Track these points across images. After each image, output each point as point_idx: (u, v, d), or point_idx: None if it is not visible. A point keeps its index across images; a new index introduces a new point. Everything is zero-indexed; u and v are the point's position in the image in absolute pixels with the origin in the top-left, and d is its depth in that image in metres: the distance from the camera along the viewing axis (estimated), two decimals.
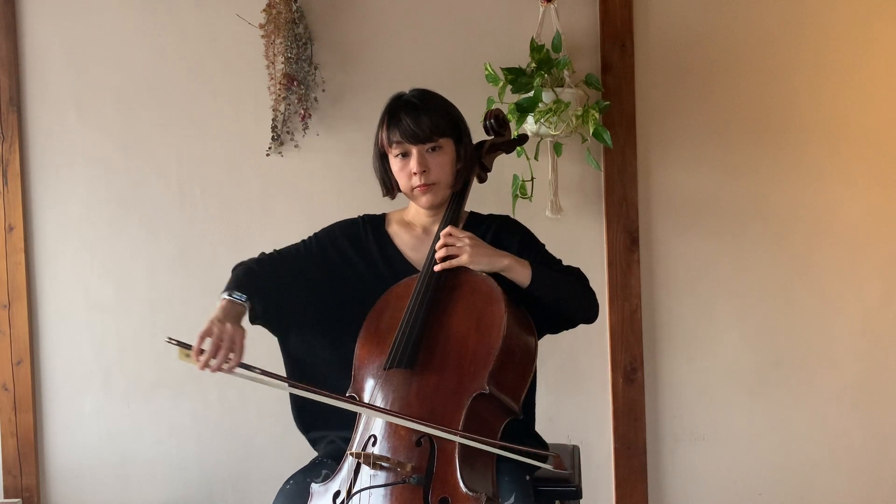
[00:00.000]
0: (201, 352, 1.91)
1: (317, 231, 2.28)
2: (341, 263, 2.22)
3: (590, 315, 2.20)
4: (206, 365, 1.91)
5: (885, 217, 3.17)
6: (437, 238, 2.13)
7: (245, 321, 2.05)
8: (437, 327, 2.03)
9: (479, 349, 1.97)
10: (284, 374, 2.21)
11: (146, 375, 3.26)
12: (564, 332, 2.24)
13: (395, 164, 2.17)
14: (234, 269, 2.14)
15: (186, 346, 1.93)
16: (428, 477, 1.86)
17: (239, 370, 1.94)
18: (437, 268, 2.07)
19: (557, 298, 2.11)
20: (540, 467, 2.20)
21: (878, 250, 3.18)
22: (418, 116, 2.11)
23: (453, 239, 2.08)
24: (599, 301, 2.08)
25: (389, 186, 2.23)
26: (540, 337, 2.14)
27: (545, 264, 2.16)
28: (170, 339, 1.94)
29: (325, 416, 2.20)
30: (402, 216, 2.30)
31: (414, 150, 2.13)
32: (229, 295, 2.02)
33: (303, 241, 2.25)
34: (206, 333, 1.92)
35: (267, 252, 2.23)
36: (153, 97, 3.23)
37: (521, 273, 2.06)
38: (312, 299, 2.18)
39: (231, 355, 1.92)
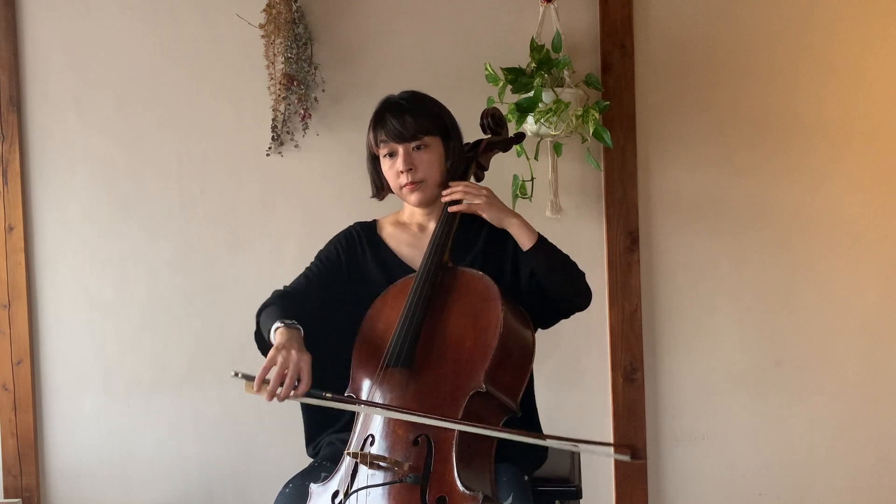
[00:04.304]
0: (266, 382, 1.87)
1: (318, 253, 2.28)
2: (346, 278, 2.24)
3: (585, 297, 2.20)
4: (272, 395, 1.87)
5: (885, 217, 3.17)
6: (434, 236, 2.14)
7: None
8: (435, 326, 2.03)
9: (477, 347, 1.97)
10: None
11: (146, 375, 3.27)
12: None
13: (384, 164, 2.20)
14: (267, 306, 2.11)
15: (252, 378, 1.88)
16: (425, 476, 1.86)
17: (308, 397, 1.90)
18: (451, 209, 2.15)
19: (554, 270, 2.13)
20: (540, 467, 2.22)
21: (879, 251, 3.17)
22: (403, 116, 2.15)
23: (472, 187, 2.15)
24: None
25: (380, 187, 2.27)
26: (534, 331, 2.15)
27: None
28: (235, 373, 1.89)
29: (326, 420, 2.20)
30: (397, 217, 2.32)
31: (400, 149, 2.16)
32: (282, 322, 1.98)
33: (308, 268, 2.25)
34: (271, 362, 1.88)
35: (279, 289, 2.20)
36: (153, 97, 3.23)
37: (527, 234, 2.12)
38: (330, 319, 2.18)
39: (297, 383, 1.87)
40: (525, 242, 2.12)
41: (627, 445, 1.90)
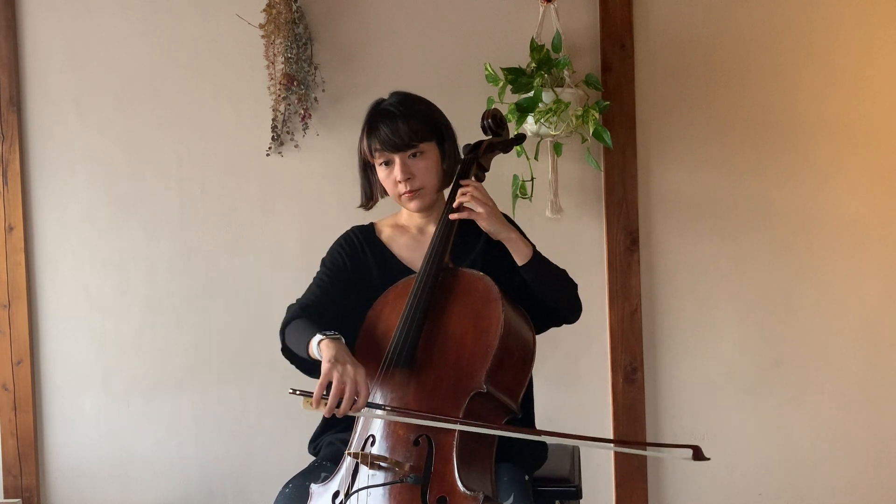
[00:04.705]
0: (324, 397, 1.85)
1: (323, 261, 2.27)
2: (352, 283, 2.23)
3: (575, 312, 2.23)
4: (332, 411, 1.85)
5: (886, 218, 3.17)
6: (434, 238, 2.14)
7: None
8: (436, 326, 2.03)
9: (477, 348, 1.97)
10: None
11: (146, 375, 3.27)
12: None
13: (380, 172, 2.19)
14: (292, 320, 2.09)
15: (309, 395, 1.87)
16: (426, 476, 1.86)
17: (367, 409, 1.89)
18: (452, 216, 2.12)
19: (547, 285, 2.13)
20: (540, 467, 2.22)
21: (879, 251, 3.17)
22: (396, 124, 2.13)
23: (480, 193, 2.13)
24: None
25: (370, 195, 2.26)
26: None
27: None
28: (293, 390, 1.88)
29: (331, 419, 2.20)
30: (395, 220, 2.32)
31: (396, 159, 2.15)
32: (323, 335, 1.95)
33: (317, 278, 2.23)
34: (327, 377, 1.85)
35: (293, 303, 2.17)
36: (153, 97, 3.23)
37: (521, 250, 2.12)
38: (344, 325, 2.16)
39: (356, 397, 1.86)
40: (520, 259, 2.12)
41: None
